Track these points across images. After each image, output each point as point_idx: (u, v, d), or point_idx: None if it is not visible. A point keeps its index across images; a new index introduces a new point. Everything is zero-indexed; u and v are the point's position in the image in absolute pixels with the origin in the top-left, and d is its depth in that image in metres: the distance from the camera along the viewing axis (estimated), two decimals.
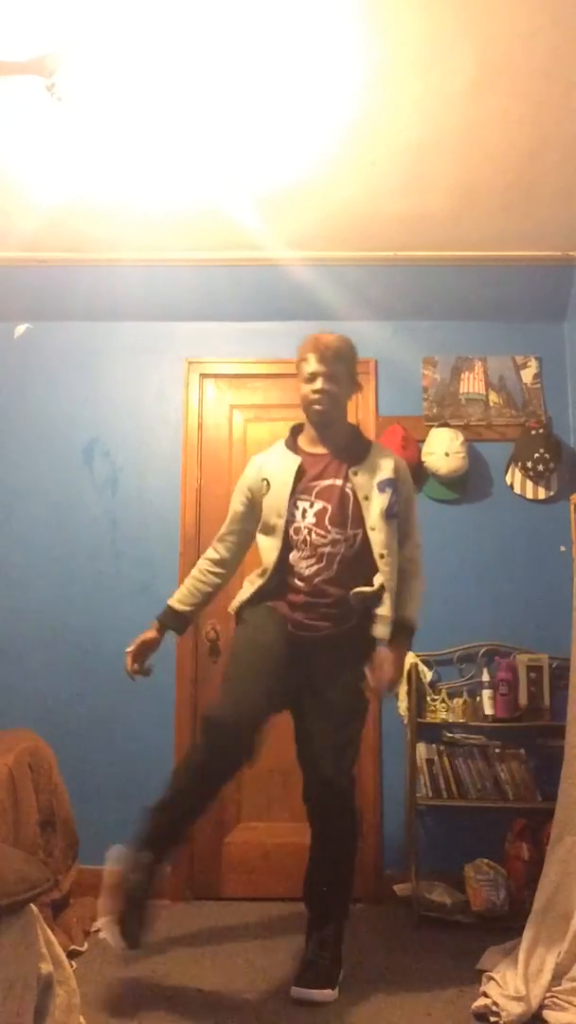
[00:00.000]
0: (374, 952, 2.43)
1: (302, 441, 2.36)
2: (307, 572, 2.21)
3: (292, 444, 2.37)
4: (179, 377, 3.30)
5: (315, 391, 2.25)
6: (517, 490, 3.16)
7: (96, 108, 2.26)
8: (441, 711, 2.90)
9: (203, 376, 3.30)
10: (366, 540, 2.22)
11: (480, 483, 3.19)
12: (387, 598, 2.20)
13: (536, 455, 3.10)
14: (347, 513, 2.23)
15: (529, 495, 3.15)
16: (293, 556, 2.24)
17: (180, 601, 2.38)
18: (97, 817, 2.91)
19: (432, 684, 2.95)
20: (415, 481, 3.12)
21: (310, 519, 2.23)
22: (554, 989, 1.97)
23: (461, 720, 2.87)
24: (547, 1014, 1.94)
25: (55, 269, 3.17)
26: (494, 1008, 1.97)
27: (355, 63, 2.13)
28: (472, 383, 3.27)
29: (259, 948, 2.46)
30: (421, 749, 2.85)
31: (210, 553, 2.43)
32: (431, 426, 3.18)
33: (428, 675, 2.95)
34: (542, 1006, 1.95)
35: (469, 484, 3.16)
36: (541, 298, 3.24)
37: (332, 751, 2.17)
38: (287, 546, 2.25)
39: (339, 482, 2.25)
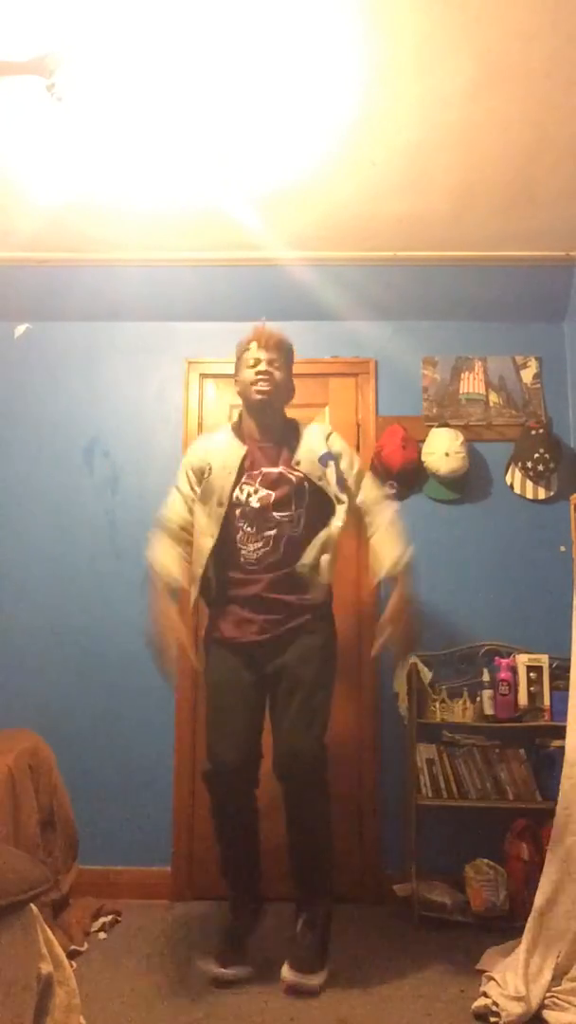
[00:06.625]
0: (374, 952, 2.43)
1: (245, 430, 2.43)
2: (254, 556, 2.29)
3: (238, 431, 2.44)
4: (179, 377, 3.30)
5: (258, 373, 2.35)
6: (517, 490, 3.16)
7: (96, 108, 2.26)
8: (441, 711, 2.90)
9: (203, 376, 3.30)
10: (309, 519, 2.31)
11: (480, 483, 3.19)
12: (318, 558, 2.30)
13: (536, 455, 3.10)
14: (291, 497, 2.31)
15: (529, 495, 3.15)
16: (239, 537, 2.31)
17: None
18: (97, 817, 2.91)
19: (432, 684, 2.95)
20: (416, 481, 3.15)
21: (254, 503, 2.30)
22: (554, 989, 1.97)
23: (461, 720, 2.87)
24: (547, 1014, 1.94)
25: (55, 269, 3.17)
26: (494, 1008, 1.97)
27: (355, 63, 2.13)
28: (472, 383, 3.27)
29: (258, 948, 2.46)
30: (421, 749, 2.85)
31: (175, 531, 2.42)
32: (431, 426, 3.18)
33: (428, 675, 2.95)
34: (542, 1006, 1.95)
35: (469, 484, 3.16)
36: (541, 298, 3.24)
37: (302, 722, 2.24)
38: (226, 533, 2.31)
39: (282, 469, 2.33)
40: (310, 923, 2.25)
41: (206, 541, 2.32)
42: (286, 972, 2.14)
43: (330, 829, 2.30)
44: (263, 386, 2.35)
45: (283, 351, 2.41)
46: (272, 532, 2.29)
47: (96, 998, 2.07)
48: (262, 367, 2.35)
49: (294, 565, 2.29)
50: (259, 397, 2.36)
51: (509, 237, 2.99)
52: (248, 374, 2.38)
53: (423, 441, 3.15)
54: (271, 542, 2.30)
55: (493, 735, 2.88)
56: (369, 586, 3.09)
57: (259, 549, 2.30)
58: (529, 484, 3.14)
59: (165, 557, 2.37)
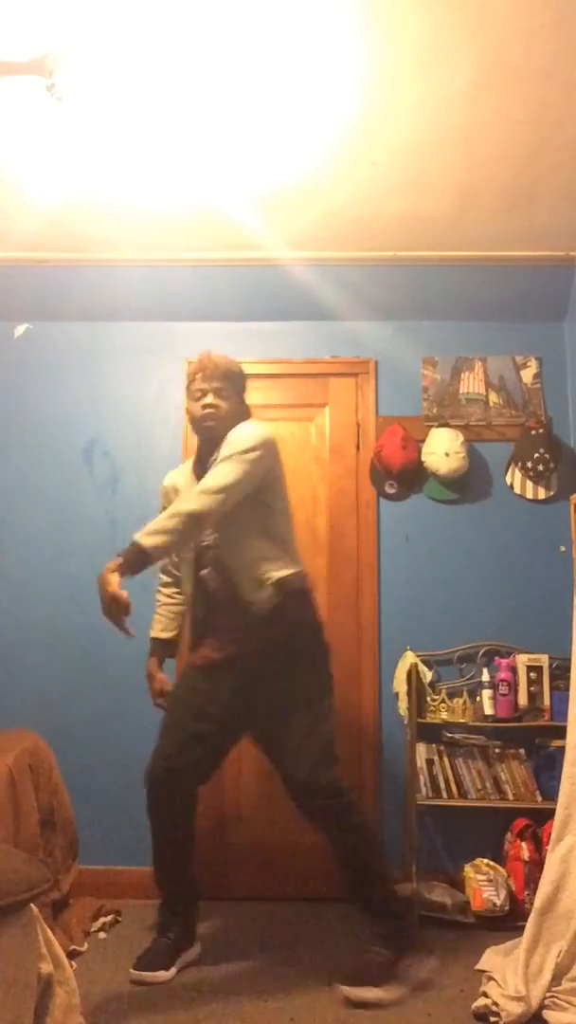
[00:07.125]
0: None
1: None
2: (208, 579, 2.30)
3: (198, 470, 2.35)
4: (179, 377, 3.29)
5: (204, 406, 2.29)
6: (517, 490, 3.16)
7: (96, 108, 2.26)
8: (441, 711, 2.90)
9: None
10: (242, 528, 2.24)
11: (480, 483, 3.19)
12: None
13: (536, 455, 3.10)
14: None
15: (529, 495, 3.15)
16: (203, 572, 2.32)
17: (164, 630, 2.55)
18: (97, 817, 2.91)
19: (432, 684, 2.95)
20: (416, 481, 3.15)
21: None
22: (554, 989, 1.97)
23: (461, 720, 2.87)
24: (547, 1014, 1.94)
25: (55, 269, 3.17)
26: (494, 1008, 1.97)
27: (355, 63, 2.13)
28: (472, 383, 3.27)
29: (259, 948, 2.46)
30: (421, 749, 2.85)
31: (163, 579, 2.57)
32: (431, 426, 3.18)
33: (428, 675, 2.95)
34: (542, 1006, 1.95)
35: (469, 484, 3.16)
36: (541, 298, 3.24)
37: (297, 750, 2.19)
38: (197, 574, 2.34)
39: None
40: (375, 939, 2.16)
41: (187, 587, 2.40)
42: (340, 988, 2.08)
43: (366, 841, 2.22)
44: (209, 421, 2.29)
45: (231, 379, 2.32)
46: (211, 553, 2.29)
47: (96, 998, 2.07)
48: (208, 399, 2.28)
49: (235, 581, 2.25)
50: (206, 433, 2.31)
51: (509, 237, 2.99)
52: (195, 406, 2.31)
53: (423, 441, 3.15)
54: (213, 563, 2.29)
55: (493, 735, 2.88)
56: (370, 585, 3.10)
57: (210, 572, 2.30)
58: (529, 484, 3.14)
59: (155, 616, 2.57)
